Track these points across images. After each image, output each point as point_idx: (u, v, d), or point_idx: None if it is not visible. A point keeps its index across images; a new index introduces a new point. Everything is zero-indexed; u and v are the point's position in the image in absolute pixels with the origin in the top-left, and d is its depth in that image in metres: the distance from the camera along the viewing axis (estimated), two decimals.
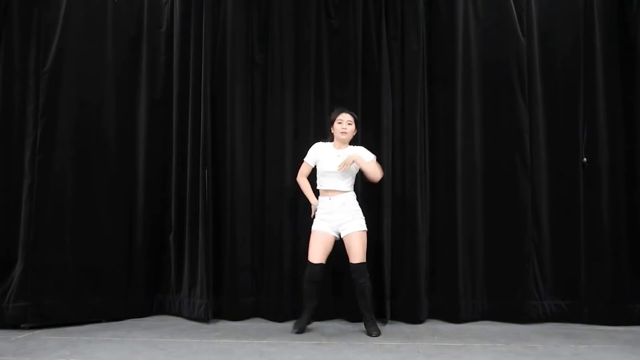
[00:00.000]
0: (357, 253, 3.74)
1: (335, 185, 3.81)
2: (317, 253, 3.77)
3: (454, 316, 4.08)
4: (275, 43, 4.32)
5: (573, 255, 4.10)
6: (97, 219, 4.11)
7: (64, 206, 4.01)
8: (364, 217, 3.84)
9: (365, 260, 3.75)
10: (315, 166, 3.92)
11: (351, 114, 3.93)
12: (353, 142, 3.98)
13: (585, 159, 4.12)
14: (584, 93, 4.15)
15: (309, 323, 3.84)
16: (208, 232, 4.10)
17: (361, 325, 3.94)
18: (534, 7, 4.24)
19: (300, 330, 3.75)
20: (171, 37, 4.42)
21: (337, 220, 3.79)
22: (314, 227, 3.85)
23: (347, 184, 3.85)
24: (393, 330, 3.87)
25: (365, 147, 4.15)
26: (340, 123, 3.87)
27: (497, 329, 3.92)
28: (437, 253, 4.22)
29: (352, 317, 4.07)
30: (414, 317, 4.04)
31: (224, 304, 4.17)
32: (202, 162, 4.14)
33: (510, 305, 4.07)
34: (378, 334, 3.69)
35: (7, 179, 4.03)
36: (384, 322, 4.00)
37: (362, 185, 4.16)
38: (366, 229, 3.82)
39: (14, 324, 3.82)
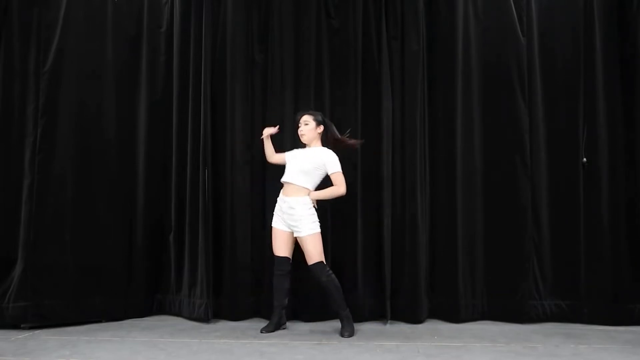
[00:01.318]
0: (310, 255, 3.72)
1: (291, 178, 3.82)
2: (279, 248, 3.83)
3: (454, 316, 4.08)
4: (275, 43, 4.32)
5: (573, 255, 4.09)
6: (97, 219, 4.11)
7: (64, 206, 4.01)
8: (316, 221, 3.76)
9: (320, 259, 3.71)
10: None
11: (309, 114, 3.94)
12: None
13: (585, 159, 4.12)
14: (584, 93, 4.15)
15: (280, 325, 3.84)
16: (208, 232, 4.11)
17: (361, 325, 3.96)
18: (534, 7, 4.24)
19: (269, 332, 3.76)
20: (171, 37, 4.42)
21: (288, 220, 3.81)
22: (272, 222, 3.91)
23: (304, 180, 3.80)
24: (393, 330, 3.87)
25: (365, 147, 4.16)
26: (299, 126, 3.93)
27: (497, 329, 3.92)
28: (437, 253, 4.22)
29: (352, 317, 4.06)
30: (414, 317, 4.04)
31: (224, 304, 4.17)
32: (202, 162, 4.15)
33: (510, 305, 4.07)
34: (350, 334, 3.67)
35: (7, 179, 4.03)
36: (384, 322, 4.00)
37: (362, 185, 4.17)
38: (317, 230, 3.75)
39: (14, 324, 3.82)
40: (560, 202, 4.16)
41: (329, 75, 4.32)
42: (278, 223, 3.88)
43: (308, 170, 3.81)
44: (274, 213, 3.92)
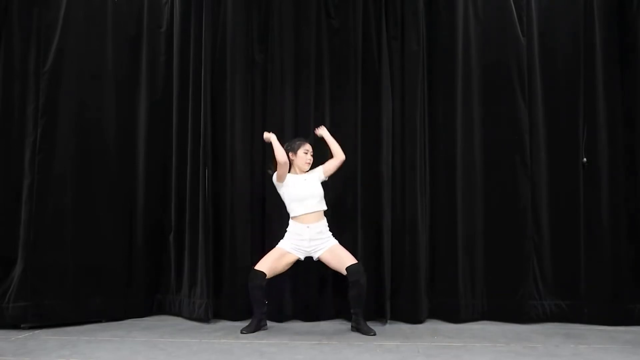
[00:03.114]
0: (348, 257, 3.78)
1: (311, 208, 3.82)
2: (274, 267, 3.80)
3: (454, 316, 4.08)
4: (275, 43, 4.32)
5: (573, 255, 4.09)
6: (97, 219, 4.11)
7: (64, 206, 4.01)
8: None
9: (356, 260, 3.79)
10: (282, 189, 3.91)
11: (309, 144, 3.98)
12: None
13: (585, 159, 4.12)
14: (584, 93, 4.15)
15: (260, 328, 3.82)
16: (208, 232, 4.11)
17: None
18: (534, 7, 4.24)
19: (249, 332, 3.75)
20: (171, 37, 4.42)
21: (313, 246, 3.82)
22: (285, 247, 3.83)
23: (322, 204, 3.88)
24: (393, 330, 3.87)
25: (365, 147, 4.17)
26: (306, 153, 3.92)
27: (497, 329, 3.92)
28: (437, 253, 4.22)
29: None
30: (414, 317, 4.04)
31: (224, 304, 4.17)
32: (202, 162, 4.15)
33: (510, 305, 4.07)
34: (375, 332, 3.70)
35: (7, 179, 4.03)
36: (384, 322, 4.00)
37: (362, 186, 4.17)
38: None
39: (14, 324, 3.82)
40: (560, 202, 4.16)
41: (329, 75, 4.32)
42: (291, 249, 3.83)
43: (320, 192, 3.88)
44: (288, 241, 3.84)
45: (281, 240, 3.89)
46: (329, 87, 4.31)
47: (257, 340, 3.56)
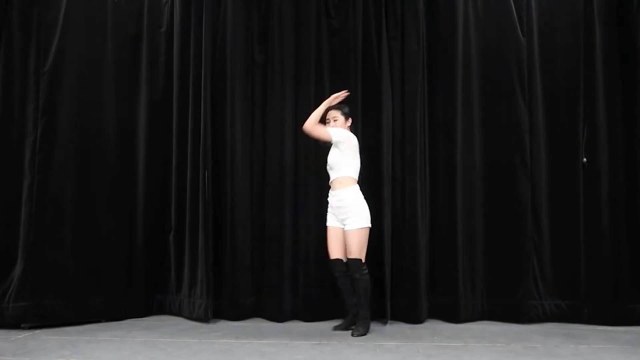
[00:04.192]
0: (350, 250, 3.72)
1: (332, 175, 3.82)
2: (333, 249, 3.81)
3: (454, 316, 4.08)
4: (275, 43, 4.33)
5: (573, 255, 4.09)
6: (97, 219, 4.11)
7: (64, 206, 4.01)
8: (365, 211, 3.75)
9: (359, 257, 3.71)
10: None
11: (336, 109, 3.91)
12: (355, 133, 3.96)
13: (585, 159, 4.12)
14: (584, 93, 4.15)
15: (352, 323, 3.79)
16: (208, 232, 4.11)
17: None
18: (534, 7, 4.24)
19: (338, 329, 3.79)
20: (171, 37, 4.42)
21: (341, 215, 3.78)
22: (327, 223, 3.85)
23: (338, 170, 3.78)
24: (393, 330, 3.87)
25: (365, 147, 4.17)
26: (328, 122, 3.89)
27: (497, 329, 3.92)
28: (437, 253, 4.23)
29: None
30: (414, 317, 4.04)
31: (224, 304, 4.17)
32: (202, 162, 4.15)
33: (510, 305, 4.07)
34: (360, 334, 3.65)
35: (7, 179, 4.04)
36: (384, 322, 4.00)
37: (362, 185, 4.16)
38: (366, 225, 3.74)
39: (14, 324, 3.83)
40: (560, 202, 4.16)
41: (329, 76, 4.32)
42: (330, 221, 3.83)
43: (332, 160, 3.81)
44: (328, 215, 3.85)
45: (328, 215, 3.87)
46: (329, 87, 4.30)
47: (257, 340, 3.56)
